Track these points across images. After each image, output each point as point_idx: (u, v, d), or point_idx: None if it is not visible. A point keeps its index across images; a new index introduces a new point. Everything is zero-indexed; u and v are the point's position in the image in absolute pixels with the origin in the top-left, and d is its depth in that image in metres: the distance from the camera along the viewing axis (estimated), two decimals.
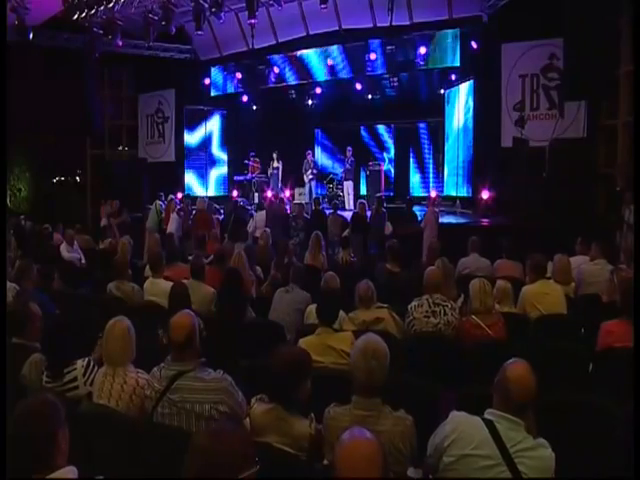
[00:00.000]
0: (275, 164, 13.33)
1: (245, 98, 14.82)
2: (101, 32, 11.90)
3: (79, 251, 8.53)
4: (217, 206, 12.10)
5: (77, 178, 16.04)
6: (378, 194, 9.92)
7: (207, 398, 2.58)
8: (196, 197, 13.80)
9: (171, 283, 5.25)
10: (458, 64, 11.90)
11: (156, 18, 11.25)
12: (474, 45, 11.52)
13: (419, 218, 9.43)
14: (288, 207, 10.41)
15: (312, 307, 4.40)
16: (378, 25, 12.54)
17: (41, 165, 15.28)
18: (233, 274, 4.72)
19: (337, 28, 13.02)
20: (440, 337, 3.98)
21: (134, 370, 2.94)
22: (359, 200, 10.19)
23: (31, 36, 11.26)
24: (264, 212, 9.88)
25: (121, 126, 15.72)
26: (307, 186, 13.38)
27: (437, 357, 3.87)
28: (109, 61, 14.39)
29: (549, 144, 10.07)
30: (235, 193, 14.05)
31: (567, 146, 9.85)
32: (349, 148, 13.37)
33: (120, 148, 15.83)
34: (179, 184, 14.42)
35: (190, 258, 6.53)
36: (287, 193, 14.58)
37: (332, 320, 3.52)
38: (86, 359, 3.15)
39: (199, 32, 11.08)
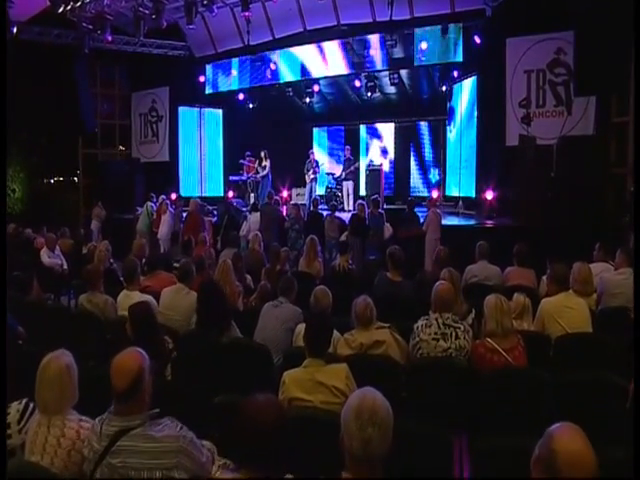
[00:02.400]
0: (264, 163, 12.64)
1: (241, 96, 14.17)
2: (90, 27, 11.29)
3: (61, 256, 7.92)
4: (209, 207, 11.45)
5: (75, 179, 15.50)
6: (373, 195, 9.26)
7: (158, 463, 1.97)
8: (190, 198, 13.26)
9: (147, 296, 4.66)
10: (461, 60, 11.28)
11: (147, 12, 10.63)
12: (477, 40, 10.91)
13: (421, 220, 8.80)
14: (284, 209, 9.76)
15: (303, 326, 3.79)
16: (378, 19, 11.99)
17: (36, 165, 14.75)
18: (208, 287, 4.09)
19: (335, 23, 12.49)
20: (450, 363, 3.36)
21: (75, 418, 2.33)
22: (358, 201, 9.57)
23: (14, 31, 10.62)
24: (259, 214, 9.25)
25: (114, 125, 15.10)
26: (308, 186, 12.74)
27: (447, 387, 3.27)
28: (101, 58, 13.87)
29: (557, 142, 9.48)
30: (231, 194, 13.45)
31: (576, 144, 9.26)
32: (347, 147, 12.75)
33: (114, 148, 15.22)
34: (173, 185, 13.80)
35: (176, 265, 5.96)
36: (285, 194, 14.06)
37: (322, 351, 2.89)
38: (23, 401, 2.53)
39: (191, 26, 10.47)
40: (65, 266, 7.83)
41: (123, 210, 12.40)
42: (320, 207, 10.43)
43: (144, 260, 6.54)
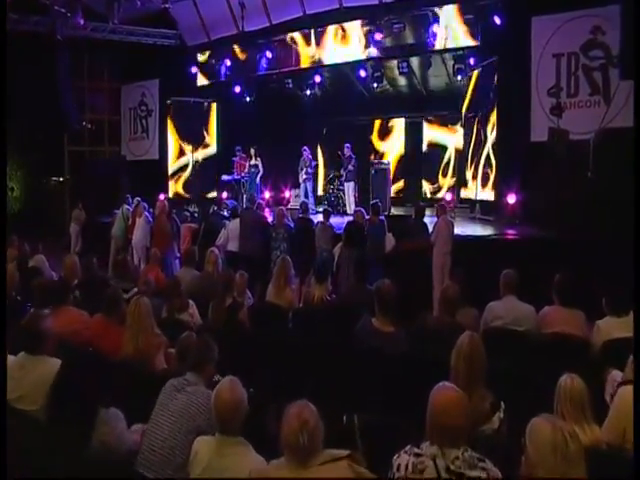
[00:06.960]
0: (253, 161, 10.99)
1: (238, 89, 12.45)
2: (63, 10, 9.76)
3: None
4: (190, 210, 9.75)
5: (61, 179, 14.06)
6: (374, 200, 7.52)
7: None
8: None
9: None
10: (478, 43, 9.47)
11: None
12: (497, 20, 9.10)
13: (430, 229, 7.01)
14: (270, 213, 8.06)
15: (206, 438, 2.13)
16: (384, 0, 10.25)
17: (34, 163, 13.38)
18: (74, 361, 2.44)
19: (337, 6, 10.82)
20: None
21: None
22: (355, 208, 7.85)
23: None
24: (238, 220, 7.57)
25: (103, 121, 13.58)
26: (302, 187, 11.13)
27: None
28: (88, 49, 12.36)
29: (594, 136, 7.71)
30: (225, 195, 11.85)
31: (617, 138, 7.50)
32: (347, 145, 11.02)
33: (103, 145, 13.72)
34: (162, 184, 12.23)
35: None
36: (287, 194, 12.49)
37: None
38: None
39: (166, 5, 8.85)
40: None
41: (104, 213, 10.89)
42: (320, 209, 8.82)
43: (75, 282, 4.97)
